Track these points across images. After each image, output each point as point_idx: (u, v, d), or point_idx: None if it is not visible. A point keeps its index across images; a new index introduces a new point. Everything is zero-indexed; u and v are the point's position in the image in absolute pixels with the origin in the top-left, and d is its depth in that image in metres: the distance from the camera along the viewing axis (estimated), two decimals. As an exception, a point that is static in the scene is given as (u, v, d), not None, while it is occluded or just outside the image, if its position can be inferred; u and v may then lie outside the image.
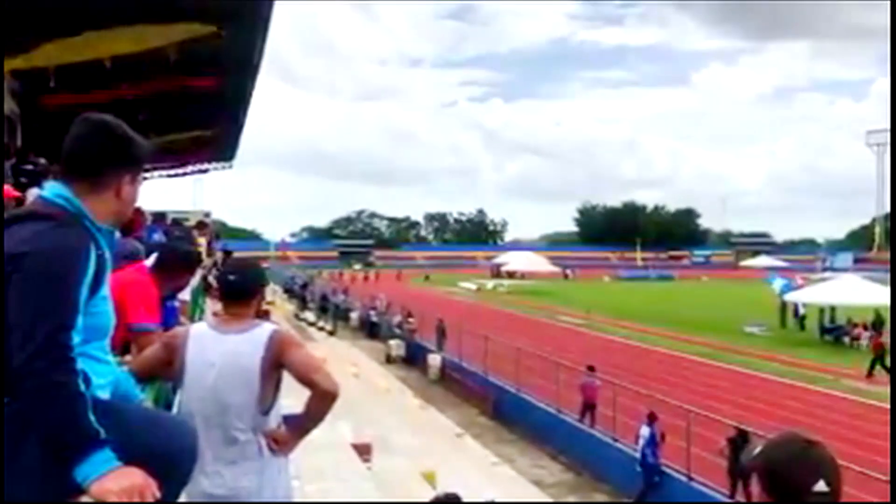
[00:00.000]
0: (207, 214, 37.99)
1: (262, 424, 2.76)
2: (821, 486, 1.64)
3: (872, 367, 22.72)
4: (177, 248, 4.13)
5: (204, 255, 10.62)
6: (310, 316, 37.93)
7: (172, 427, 2.05)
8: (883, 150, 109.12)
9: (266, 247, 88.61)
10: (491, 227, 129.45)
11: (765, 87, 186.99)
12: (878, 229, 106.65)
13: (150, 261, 3.81)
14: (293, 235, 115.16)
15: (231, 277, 2.96)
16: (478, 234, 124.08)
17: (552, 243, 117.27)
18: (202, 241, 11.38)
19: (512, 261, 72.08)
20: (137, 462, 1.69)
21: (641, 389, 16.45)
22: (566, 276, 72.96)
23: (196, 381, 2.78)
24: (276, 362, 2.75)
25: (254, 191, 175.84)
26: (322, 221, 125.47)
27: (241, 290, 2.92)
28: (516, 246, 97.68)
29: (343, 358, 24.34)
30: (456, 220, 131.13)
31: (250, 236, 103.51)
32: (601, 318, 36.75)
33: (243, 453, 2.73)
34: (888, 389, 20.51)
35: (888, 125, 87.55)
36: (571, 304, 43.50)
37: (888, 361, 22.24)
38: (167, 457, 1.85)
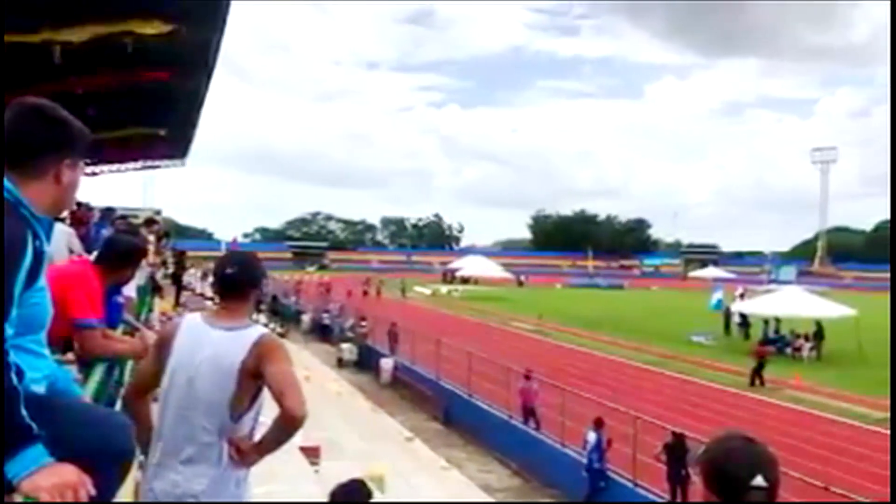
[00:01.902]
0: (158, 212, 37.32)
1: (229, 430, 2.66)
2: (758, 480, 1.71)
3: (756, 373, 23.20)
4: (119, 240, 3.96)
5: (151, 254, 10.41)
6: (262, 318, 37.44)
7: (108, 423, 2.00)
8: (827, 168, 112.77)
9: (217, 246, 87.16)
10: (447, 232, 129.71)
11: (715, 102, 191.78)
12: (820, 243, 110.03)
13: (91, 255, 3.73)
14: (246, 236, 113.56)
15: (228, 270, 2.87)
16: (434, 238, 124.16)
17: (506, 249, 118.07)
18: (151, 238, 11.16)
19: (466, 266, 72.27)
20: (71, 459, 1.64)
21: (589, 395, 16.69)
22: (520, 283, 73.49)
23: (176, 372, 2.72)
24: (256, 369, 2.65)
25: (206, 189, 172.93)
26: (276, 222, 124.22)
27: (236, 283, 2.85)
28: (472, 251, 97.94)
29: (294, 361, 24.06)
30: (413, 225, 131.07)
31: (201, 235, 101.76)
32: (553, 325, 37.13)
33: (202, 455, 2.63)
34: (821, 398, 21.20)
35: (888, 126, 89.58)
36: (524, 311, 43.84)
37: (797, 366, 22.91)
38: (102, 453, 1.82)
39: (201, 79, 14.70)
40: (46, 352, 1.92)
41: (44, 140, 1.80)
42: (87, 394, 2.75)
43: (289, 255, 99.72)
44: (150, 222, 14.14)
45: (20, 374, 1.62)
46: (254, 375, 2.65)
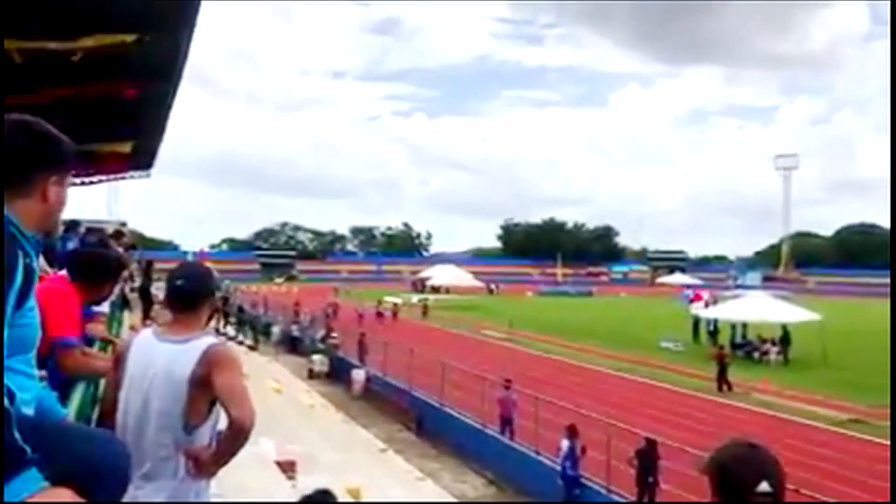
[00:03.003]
0: (124, 224, 36.69)
1: (184, 443, 2.64)
2: (763, 486, 1.75)
3: (721, 378, 23.54)
4: (97, 254, 3.83)
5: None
6: (230, 330, 37.02)
7: (102, 443, 1.98)
8: (789, 174, 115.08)
9: (183, 257, 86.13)
10: (417, 241, 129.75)
11: (679, 109, 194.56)
12: (784, 248, 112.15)
13: (64, 271, 3.62)
14: (213, 247, 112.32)
15: (177, 283, 2.82)
16: (404, 247, 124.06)
17: (476, 258, 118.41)
18: (120, 250, 10.98)
19: (436, 275, 72.29)
20: (66, 481, 1.62)
21: (563, 403, 16.78)
22: (490, 291, 73.69)
23: (130, 389, 2.69)
24: (206, 380, 2.62)
25: (172, 200, 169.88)
26: (243, 233, 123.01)
27: (187, 296, 2.80)
28: (442, 259, 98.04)
29: (265, 373, 23.87)
30: (382, 234, 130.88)
31: (168, 247, 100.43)
32: (524, 333, 37.27)
33: (160, 469, 2.61)
34: (788, 401, 21.57)
35: (888, 126, 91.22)
36: (495, 319, 43.96)
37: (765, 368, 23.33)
38: (97, 475, 1.79)
39: (168, 89, 14.52)
40: (35, 372, 1.89)
41: (30, 156, 1.75)
42: (70, 413, 2.71)
43: (257, 265, 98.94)
44: (118, 234, 13.92)
45: (11, 395, 1.57)
46: (204, 386, 2.62)
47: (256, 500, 7.13)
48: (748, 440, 1.90)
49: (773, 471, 1.79)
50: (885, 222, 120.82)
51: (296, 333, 34.60)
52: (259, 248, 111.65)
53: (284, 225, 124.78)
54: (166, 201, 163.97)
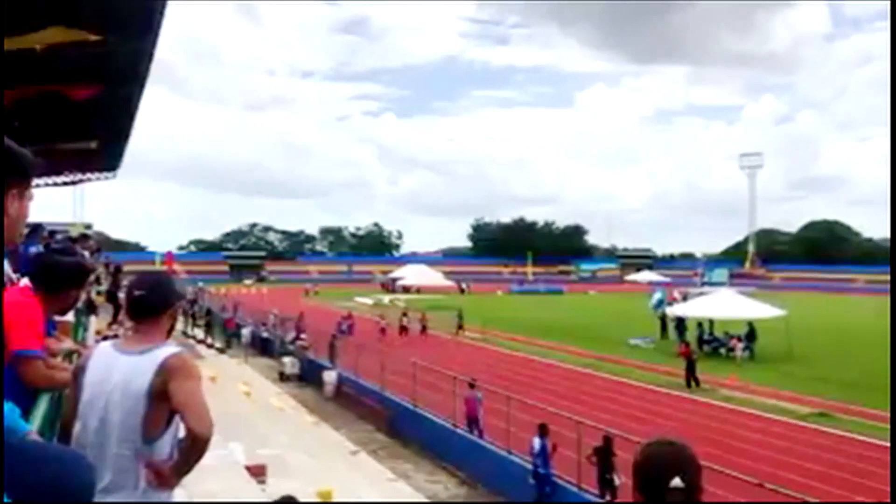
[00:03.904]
0: (89, 226, 36.14)
1: (144, 454, 2.61)
2: (676, 482, 1.81)
3: (689, 374, 23.78)
4: (61, 262, 3.75)
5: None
6: (199, 333, 36.65)
7: (67, 461, 1.94)
8: (754, 173, 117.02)
9: (151, 259, 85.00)
10: (387, 241, 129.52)
11: (646, 109, 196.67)
12: (750, 246, 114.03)
13: (26, 280, 3.54)
14: (181, 248, 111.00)
15: (136, 293, 2.78)
16: (374, 247, 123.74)
17: (447, 257, 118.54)
18: (85, 254, 10.80)
19: (408, 275, 72.29)
20: (30, 501, 1.61)
21: (534, 401, 16.88)
22: (462, 291, 73.86)
23: (89, 403, 2.66)
24: (165, 390, 2.59)
25: (139, 202, 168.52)
26: (212, 234, 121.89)
27: (146, 306, 2.76)
28: (413, 259, 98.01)
29: (234, 376, 23.69)
30: (352, 234, 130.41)
31: (135, 249, 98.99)
32: (496, 332, 37.39)
33: (120, 482, 2.58)
34: (755, 396, 21.94)
35: (888, 127, 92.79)
36: (467, 318, 43.98)
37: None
38: (62, 494, 1.77)
39: (133, 89, 14.35)
40: None
41: None
42: (34, 427, 2.67)
43: (226, 267, 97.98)
44: (83, 238, 13.70)
45: None
46: (163, 397, 2.59)
47: (227, 502, 7.09)
48: (668, 438, 1.98)
49: (687, 467, 1.85)
50: (847, 219, 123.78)
51: (266, 335, 34.36)
52: (228, 250, 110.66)
53: (253, 226, 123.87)
54: (133, 203, 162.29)
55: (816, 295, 75.24)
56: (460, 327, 38.11)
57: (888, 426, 18.22)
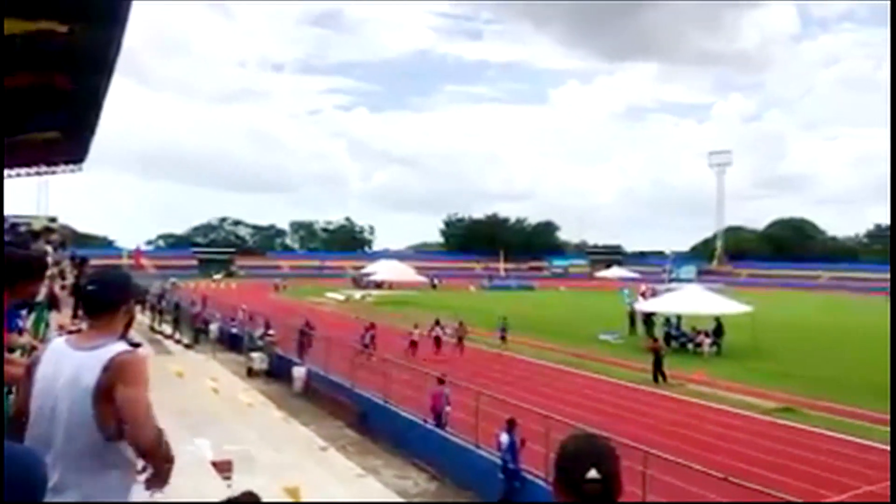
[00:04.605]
0: (53, 219, 35.53)
1: (112, 451, 2.57)
2: (592, 473, 1.85)
3: (656, 369, 24.07)
4: (12, 254, 3.68)
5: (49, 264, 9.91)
6: (166, 328, 36.17)
7: (17, 458, 1.90)
8: (722, 170, 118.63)
9: (118, 254, 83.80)
10: (359, 236, 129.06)
11: (617, 106, 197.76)
12: (718, 243, 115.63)
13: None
14: (149, 243, 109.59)
15: (89, 288, 2.74)
16: (346, 242, 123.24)
17: (419, 252, 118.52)
18: (48, 248, 10.60)
19: (379, 271, 72.02)
20: None
21: (502, 396, 16.94)
22: (433, 286, 73.87)
23: (39, 399, 2.61)
24: (110, 391, 2.54)
25: (106, 195, 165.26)
26: (181, 228, 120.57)
27: (99, 302, 2.72)
28: (385, 255, 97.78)
29: (202, 372, 23.39)
30: (323, 229, 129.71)
31: (102, 243, 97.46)
32: (468, 328, 37.34)
33: (67, 482, 2.54)
34: (721, 391, 22.26)
35: (888, 126, 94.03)
36: (439, 314, 43.96)
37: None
38: (12, 491, 1.73)
39: (100, 81, 14.09)
40: None
41: None
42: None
43: (194, 262, 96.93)
44: (47, 231, 13.45)
45: None
46: (110, 396, 2.55)
47: (187, 500, 6.99)
48: (587, 431, 2.05)
49: (604, 459, 1.89)
50: (813, 217, 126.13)
51: (234, 331, 34.03)
52: (197, 244, 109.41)
53: (223, 220, 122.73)
54: (100, 196, 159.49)
55: (782, 291, 76.55)
56: (503, 337, 32.37)
57: (852, 420, 18.66)
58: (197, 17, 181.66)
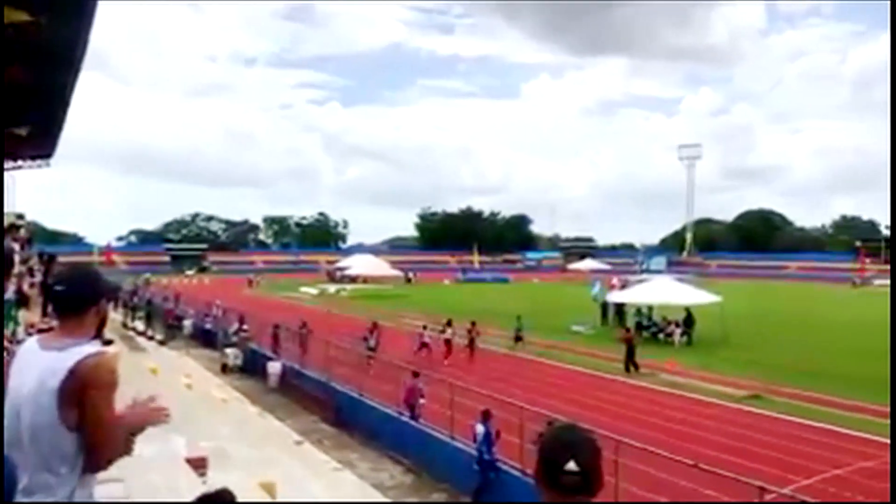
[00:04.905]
0: (21, 216, 34.86)
1: (74, 452, 2.53)
2: (571, 465, 1.87)
3: (629, 359, 24.35)
4: None
5: (17, 262, 9.79)
6: (139, 325, 35.82)
7: None
8: (692, 163, 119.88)
9: (89, 251, 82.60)
10: (333, 231, 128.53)
11: (588, 100, 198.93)
12: (688, 235, 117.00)
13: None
14: (120, 239, 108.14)
15: (58, 288, 2.67)
16: (320, 237, 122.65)
17: (394, 247, 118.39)
18: (15, 246, 10.47)
19: (354, 265, 71.82)
20: None
21: (477, 388, 17.03)
22: (408, 280, 73.85)
23: (9, 399, 2.57)
24: (75, 396, 2.48)
25: (76, 191, 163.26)
26: (152, 224, 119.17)
27: (68, 301, 2.66)
28: (359, 249, 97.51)
29: (175, 368, 23.25)
30: (297, 224, 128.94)
31: (71, 240, 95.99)
32: (442, 321, 37.46)
33: (36, 484, 2.50)
34: (692, 381, 22.61)
35: (888, 127, 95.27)
36: (414, 307, 44.14)
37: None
38: None
39: (68, 74, 13.90)
40: None
41: None
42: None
43: (167, 258, 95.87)
44: (13, 228, 13.25)
45: None
46: (74, 399, 2.49)
47: (163, 500, 6.99)
48: (569, 423, 2.05)
49: (583, 451, 1.91)
50: (781, 208, 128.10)
51: (208, 327, 33.80)
52: (169, 240, 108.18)
53: (195, 216, 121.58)
54: (69, 192, 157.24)
55: (751, 282, 77.73)
56: (519, 338, 29.73)
57: (819, 407, 19.06)
58: (164, 11, 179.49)
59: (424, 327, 27.67)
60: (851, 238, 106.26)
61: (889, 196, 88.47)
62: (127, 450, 2.69)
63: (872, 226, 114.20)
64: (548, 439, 1.97)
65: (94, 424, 2.52)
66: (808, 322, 40.13)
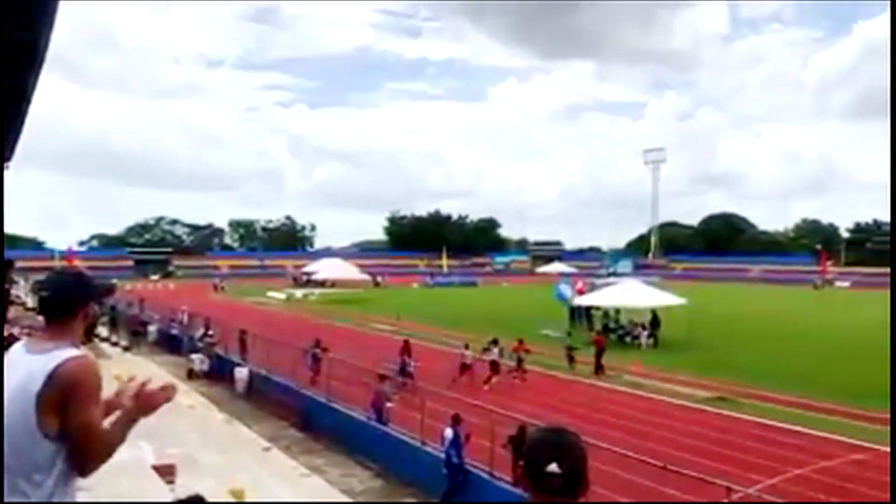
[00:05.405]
0: (-23, 221, 34.08)
1: (52, 457, 2.49)
2: (552, 467, 1.88)
3: (598, 362, 24.71)
4: None
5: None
6: (103, 331, 35.15)
7: None
8: (657, 167, 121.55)
9: (49, 255, 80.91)
10: (300, 234, 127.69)
11: (555, 104, 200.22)
12: (653, 238, 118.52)
13: None
14: (82, 244, 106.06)
15: (43, 294, 2.66)
16: (287, 241, 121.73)
17: (362, 250, 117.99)
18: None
19: (322, 269, 71.32)
20: None
21: (447, 392, 17.08)
22: (377, 284, 73.62)
23: None
24: (55, 403, 2.45)
25: (35, 195, 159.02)
26: (115, 228, 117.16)
27: (52, 307, 2.65)
28: (327, 253, 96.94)
29: (141, 375, 22.66)
30: (263, 228, 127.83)
31: (31, 244, 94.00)
32: (411, 324, 37.50)
33: (12, 489, 2.48)
34: (658, 382, 22.89)
35: (888, 126, 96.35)
36: (383, 311, 44.05)
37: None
38: None
39: (28, 76, 13.64)
40: None
41: None
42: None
43: (130, 262, 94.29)
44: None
45: None
46: (53, 404, 2.46)
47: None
48: (555, 425, 2.05)
49: (566, 454, 1.92)
50: (744, 212, 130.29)
51: (174, 332, 33.33)
52: (132, 245, 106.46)
53: (159, 219, 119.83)
54: (29, 195, 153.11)
55: (715, 284, 78.98)
56: (572, 358, 25.86)
57: (782, 408, 19.42)
58: (126, 12, 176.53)
59: (466, 346, 24.06)
60: (812, 241, 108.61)
61: (889, 196, 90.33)
62: (123, 439, 2.68)
63: (833, 229, 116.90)
64: (532, 441, 1.98)
65: (78, 428, 2.49)
66: (772, 324, 40.89)
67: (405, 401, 17.93)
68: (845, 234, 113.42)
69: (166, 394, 2.86)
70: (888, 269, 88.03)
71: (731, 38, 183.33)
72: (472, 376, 22.28)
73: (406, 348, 23.43)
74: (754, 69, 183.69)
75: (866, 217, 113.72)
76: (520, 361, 23.74)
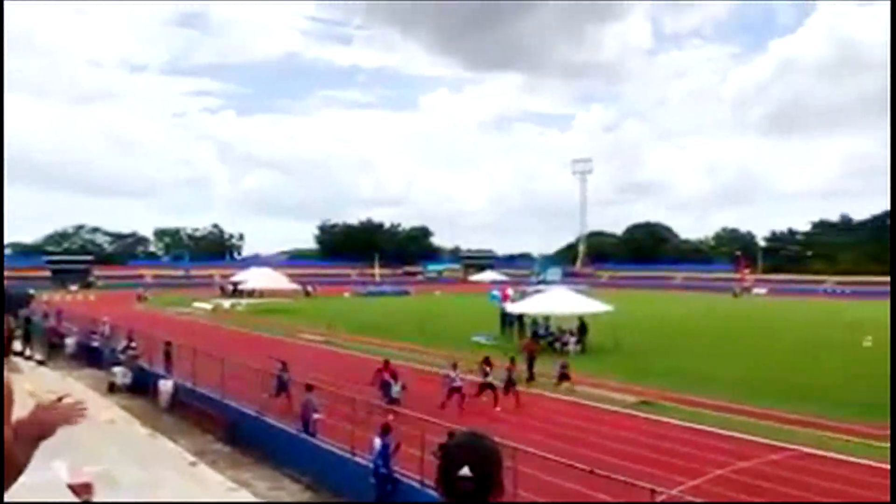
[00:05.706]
0: None
1: None
2: (464, 471, 1.90)
3: (530, 369, 25.03)
4: None
5: None
6: (17, 345, 33.57)
7: None
8: (584, 178, 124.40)
9: (-42, 266, 76.84)
10: (228, 243, 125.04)
11: (485, 114, 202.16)
12: (581, 247, 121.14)
13: None
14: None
15: None
16: (213, 249, 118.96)
17: (292, 259, 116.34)
18: None
19: (250, 278, 69.88)
20: None
21: (378, 402, 16.99)
22: (307, 293, 72.68)
23: None
24: None
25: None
26: (31, 237, 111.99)
27: None
28: (255, 262, 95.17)
29: (57, 390, 21.90)
30: (189, 236, 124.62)
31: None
32: (342, 334, 37.19)
33: None
34: (586, 388, 23.33)
35: (888, 125, 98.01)
36: (313, 321, 43.54)
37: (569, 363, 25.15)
38: None
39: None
40: None
41: None
42: None
43: (47, 272, 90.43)
44: None
45: None
46: None
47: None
48: (470, 430, 2.07)
49: (479, 458, 1.93)
50: (668, 221, 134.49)
51: (94, 345, 32.10)
52: (50, 253, 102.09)
53: (79, 227, 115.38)
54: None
55: (639, 292, 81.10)
56: (567, 377, 24.10)
57: (704, 411, 20.05)
58: (43, 13, 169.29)
59: (454, 366, 21.46)
60: (731, 249, 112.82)
61: (889, 196, 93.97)
62: (27, 460, 2.49)
63: (751, 237, 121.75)
64: (446, 445, 1.99)
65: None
66: (694, 330, 42.27)
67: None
68: (762, 243, 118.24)
69: (75, 412, 2.59)
70: (802, 277, 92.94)
71: (655, 52, 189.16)
72: (462, 399, 20.41)
73: (387, 368, 21.65)
74: (676, 83, 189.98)
75: (781, 226, 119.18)
76: (510, 382, 21.79)
